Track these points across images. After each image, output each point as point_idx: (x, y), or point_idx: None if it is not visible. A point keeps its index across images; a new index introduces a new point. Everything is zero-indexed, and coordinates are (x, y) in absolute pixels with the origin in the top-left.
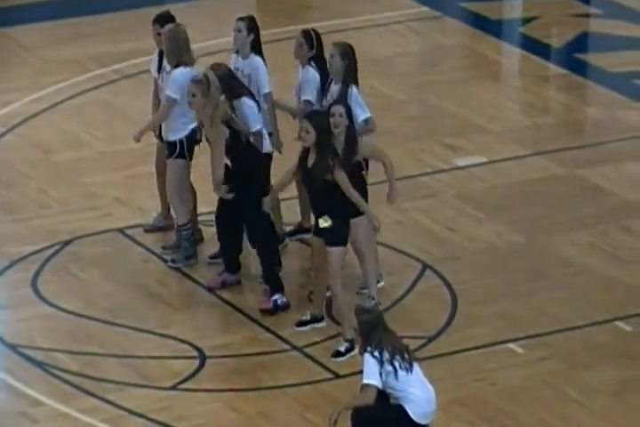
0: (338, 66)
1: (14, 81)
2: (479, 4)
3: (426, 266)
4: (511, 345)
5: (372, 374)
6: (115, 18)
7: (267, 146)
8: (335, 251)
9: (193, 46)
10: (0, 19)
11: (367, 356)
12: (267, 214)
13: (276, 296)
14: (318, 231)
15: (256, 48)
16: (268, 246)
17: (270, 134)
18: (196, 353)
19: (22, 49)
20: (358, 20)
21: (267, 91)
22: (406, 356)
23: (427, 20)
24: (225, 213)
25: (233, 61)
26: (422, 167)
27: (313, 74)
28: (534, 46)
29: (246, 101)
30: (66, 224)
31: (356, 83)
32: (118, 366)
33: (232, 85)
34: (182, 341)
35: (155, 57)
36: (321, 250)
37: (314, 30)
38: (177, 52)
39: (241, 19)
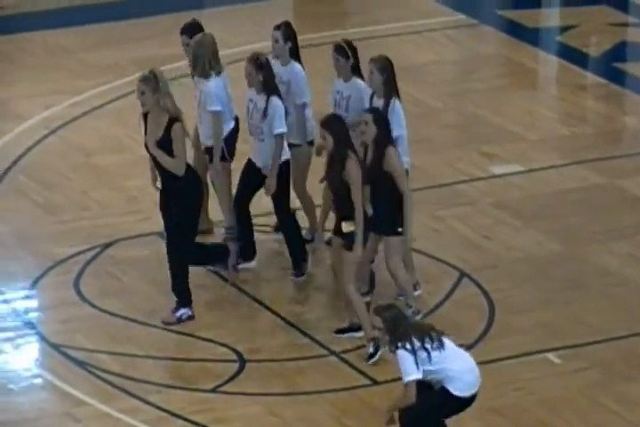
0: (378, 82)
1: (56, 84)
2: (516, 12)
3: (463, 274)
4: (549, 355)
5: (410, 369)
6: (155, 22)
7: (285, 152)
8: (349, 256)
9: (231, 50)
10: (43, 22)
11: (400, 352)
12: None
13: (182, 311)
14: (340, 233)
15: (295, 55)
16: (182, 260)
17: (311, 143)
18: (235, 357)
19: (64, 52)
20: (395, 27)
21: (304, 101)
22: (434, 334)
23: (463, 27)
24: None
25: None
26: (459, 175)
27: (364, 86)
28: (572, 55)
29: (277, 101)
30: (106, 227)
31: (398, 94)
32: (158, 367)
33: (269, 79)
34: (222, 344)
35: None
36: (340, 250)
37: (345, 41)
38: (202, 62)
39: (277, 27)
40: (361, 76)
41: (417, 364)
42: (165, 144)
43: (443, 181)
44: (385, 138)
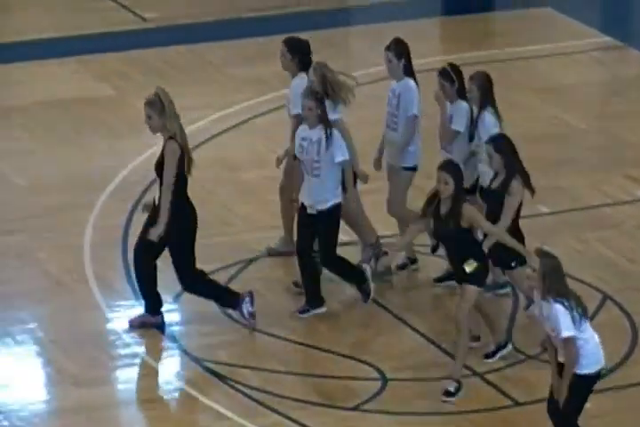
0: (475, 97)
1: (202, 98)
2: None
3: (606, 296)
4: None
5: (568, 324)
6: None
7: (337, 196)
8: (470, 289)
9: (375, 69)
10: (190, 36)
11: (559, 307)
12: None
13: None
14: (463, 278)
15: (408, 71)
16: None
17: (414, 168)
18: (377, 375)
19: (211, 66)
20: (542, 49)
21: (412, 113)
22: (584, 305)
23: (611, 50)
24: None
25: (391, 85)
26: (604, 198)
27: (464, 105)
28: None
29: (337, 132)
30: (250, 242)
31: (487, 106)
32: (300, 384)
33: (326, 113)
34: (364, 362)
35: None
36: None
37: (450, 64)
38: (332, 90)
39: (387, 47)
40: (467, 99)
41: (573, 322)
42: (161, 164)
43: (588, 203)
44: (513, 164)
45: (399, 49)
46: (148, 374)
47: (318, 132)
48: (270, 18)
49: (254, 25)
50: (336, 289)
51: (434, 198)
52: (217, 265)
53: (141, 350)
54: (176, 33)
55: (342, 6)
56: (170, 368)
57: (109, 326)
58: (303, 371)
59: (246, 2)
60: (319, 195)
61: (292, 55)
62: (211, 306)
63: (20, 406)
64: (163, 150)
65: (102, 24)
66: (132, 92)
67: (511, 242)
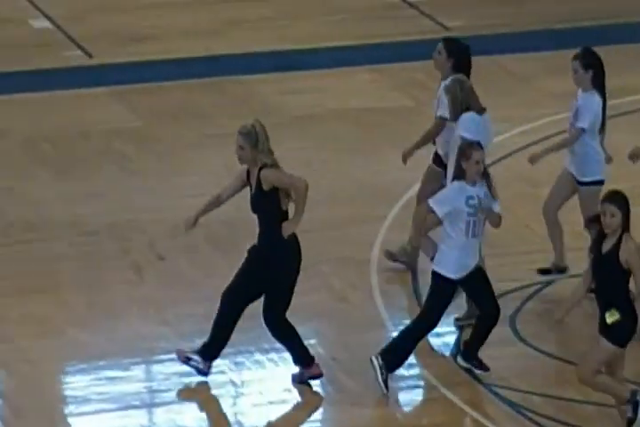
0: None
1: (503, 111)
2: None
3: None
4: None
5: None
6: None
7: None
8: (607, 347)
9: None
10: (491, 46)
11: None
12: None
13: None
14: (603, 329)
15: (596, 83)
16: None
17: (598, 182)
18: None
19: (514, 78)
20: None
21: (580, 126)
22: None
23: None
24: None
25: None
26: None
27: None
28: None
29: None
30: (548, 262)
31: None
32: (596, 414)
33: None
34: None
35: None
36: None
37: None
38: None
39: (575, 57)
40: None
41: None
42: (258, 198)
43: None
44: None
45: (587, 60)
46: (433, 398)
47: (481, 188)
48: (583, 29)
49: (566, 37)
50: None
51: (600, 235)
52: (515, 284)
53: (427, 371)
54: (478, 43)
55: None
56: (456, 393)
57: None
58: (601, 401)
59: (558, 13)
60: (480, 253)
61: (449, 55)
62: (504, 328)
63: (296, 424)
64: (258, 182)
65: (401, 32)
66: (430, 103)
67: None
